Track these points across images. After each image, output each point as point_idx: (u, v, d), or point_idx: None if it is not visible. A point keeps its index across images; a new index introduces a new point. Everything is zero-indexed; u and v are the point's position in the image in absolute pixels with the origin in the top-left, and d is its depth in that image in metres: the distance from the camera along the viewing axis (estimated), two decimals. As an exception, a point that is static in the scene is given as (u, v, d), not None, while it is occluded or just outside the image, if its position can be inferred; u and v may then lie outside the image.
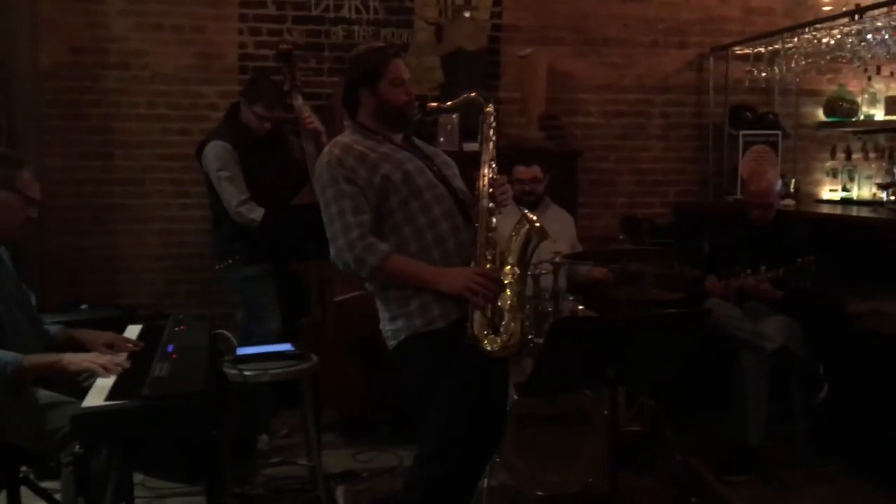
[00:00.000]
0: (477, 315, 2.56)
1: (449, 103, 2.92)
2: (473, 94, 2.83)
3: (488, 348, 2.56)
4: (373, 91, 2.73)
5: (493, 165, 2.70)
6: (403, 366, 2.72)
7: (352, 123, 2.80)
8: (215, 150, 4.18)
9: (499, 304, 2.57)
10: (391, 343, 2.73)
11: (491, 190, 2.65)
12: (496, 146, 2.73)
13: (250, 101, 4.26)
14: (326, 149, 2.74)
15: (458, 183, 2.82)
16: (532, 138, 5.19)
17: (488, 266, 2.59)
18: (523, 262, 2.63)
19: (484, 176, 2.68)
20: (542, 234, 2.62)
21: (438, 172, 2.76)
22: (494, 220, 2.63)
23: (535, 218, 2.63)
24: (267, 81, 4.38)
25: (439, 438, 2.65)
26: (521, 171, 4.27)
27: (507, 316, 2.57)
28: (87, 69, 4.99)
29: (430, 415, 2.66)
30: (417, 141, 2.93)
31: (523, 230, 2.61)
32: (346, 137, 2.75)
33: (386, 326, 2.74)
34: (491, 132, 2.74)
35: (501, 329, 2.56)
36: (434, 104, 2.95)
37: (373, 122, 2.76)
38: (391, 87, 2.73)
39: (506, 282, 2.58)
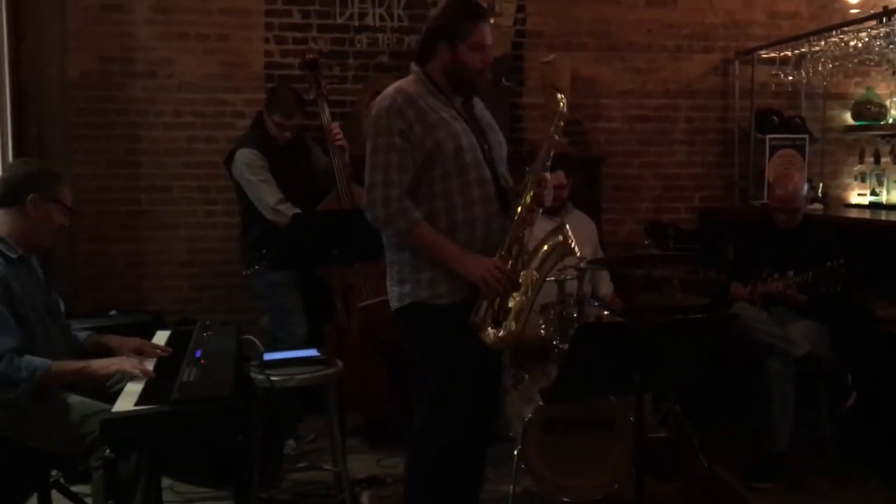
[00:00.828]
0: (484, 304, 2.60)
1: (521, 88, 2.91)
2: (549, 84, 2.84)
3: (485, 340, 2.60)
4: (452, 49, 2.67)
5: (548, 164, 2.69)
6: (403, 330, 2.75)
7: (420, 71, 2.72)
8: (245, 157, 4.22)
9: (508, 302, 2.60)
10: (394, 304, 2.74)
11: (536, 189, 2.65)
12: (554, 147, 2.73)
13: (269, 111, 4.29)
14: (390, 90, 2.66)
15: (503, 168, 2.79)
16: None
17: (510, 262, 2.60)
18: (543, 270, 2.65)
19: (535, 173, 2.67)
20: (568, 252, 2.65)
21: (488, 153, 2.72)
22: (532, 216, 2.64)
23: (570, 235, 2.64)
24: (286, 90, 4.41)
25: (430, 408, 2.69)
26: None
27: (511, 314, 2.60)
28: (114, 78, 5.04)
29: (424, 384, 2.70)
30: (478, 107, 2.86)
31: (553, 241, 2.63)
32: (411, 87, 2.67)
33: (392, 286, 2.74)
34: (556, 132, 2.72)
35: (503, 325, 2.60)
36: (508, 83, 2.94)
37: (441, 78, 2.70)
38: (470, 51, 2.68)
39: (521, 283, 2.60)
